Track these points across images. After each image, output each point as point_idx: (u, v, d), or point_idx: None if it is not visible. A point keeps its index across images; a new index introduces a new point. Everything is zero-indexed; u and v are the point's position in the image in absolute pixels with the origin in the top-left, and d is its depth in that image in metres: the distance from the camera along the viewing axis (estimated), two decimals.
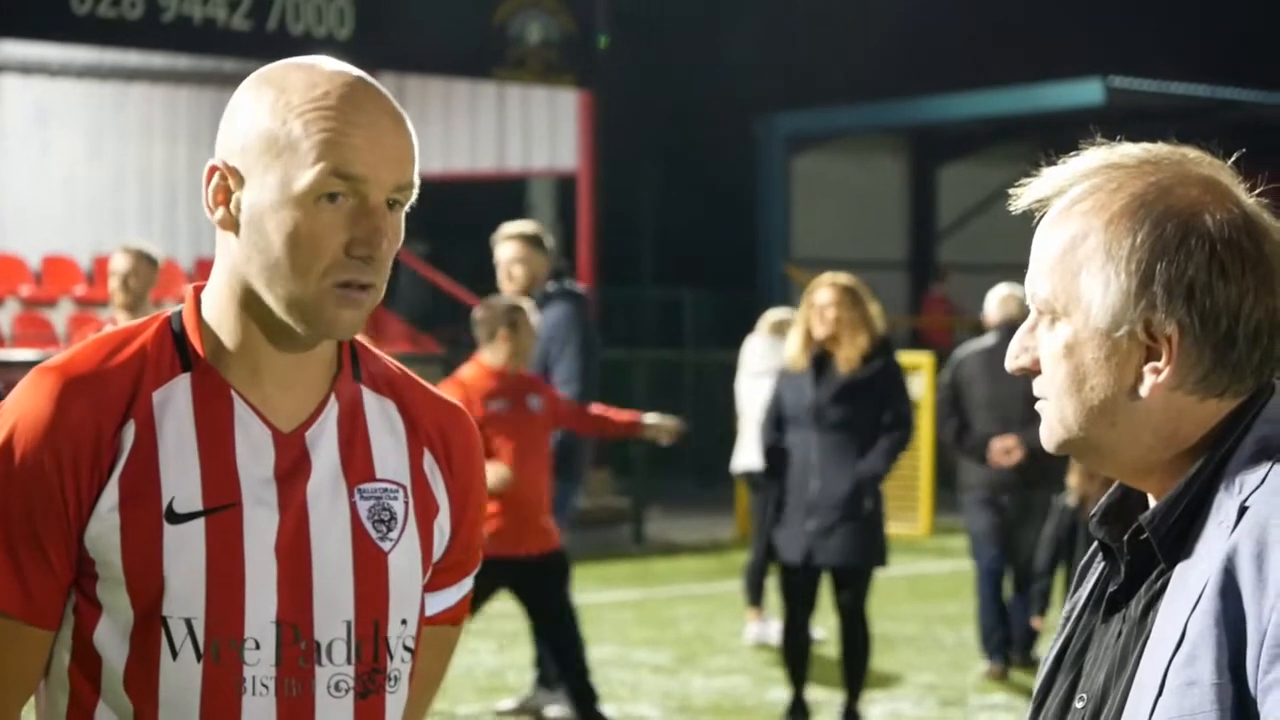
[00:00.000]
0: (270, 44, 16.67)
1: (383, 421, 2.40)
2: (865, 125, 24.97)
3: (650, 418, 9.08)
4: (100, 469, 2.25)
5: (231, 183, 2.27)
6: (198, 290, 2.35)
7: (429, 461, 2.43)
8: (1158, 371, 1.93)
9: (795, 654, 8.92)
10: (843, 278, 8.86)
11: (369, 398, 2.41)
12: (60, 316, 18.34)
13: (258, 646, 2.26)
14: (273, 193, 2.24)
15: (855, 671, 8.91)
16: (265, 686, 2.27)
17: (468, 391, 8.24)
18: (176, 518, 2.25)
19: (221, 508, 2.27)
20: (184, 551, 2.25)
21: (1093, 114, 20.48)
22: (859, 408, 8.64)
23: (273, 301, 2.27)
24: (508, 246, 9.19)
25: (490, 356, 8.38)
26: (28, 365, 15.71)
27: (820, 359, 8.71)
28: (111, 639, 2.26)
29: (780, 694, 9.63)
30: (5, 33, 17.39)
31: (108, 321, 10.32)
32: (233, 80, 20.06)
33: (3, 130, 19.19)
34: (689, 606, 13.24)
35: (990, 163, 25.14)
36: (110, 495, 2.25)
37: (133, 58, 19.16)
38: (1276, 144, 17.38)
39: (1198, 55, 25.20)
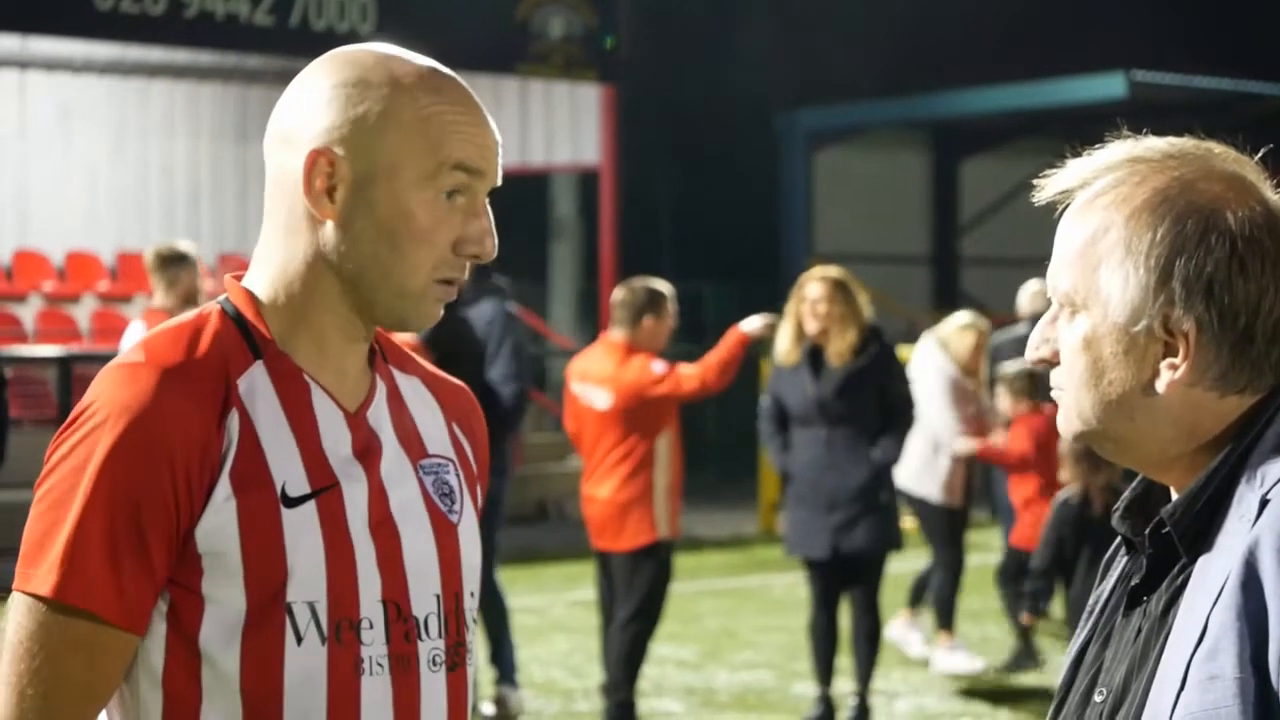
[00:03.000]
0: (293, 40, 16.72)
1: (418, 399, 2.43)
2: (887, 120, 24.94)
3: (746, 324, 8.75)
4: (211, 460, 2.22)
5: (337, 171, 2.26)
6: (238, 279, 2.35)
7: (460, 434, 2.46)
8: (1175, 368, 1.92)
9: (823, 649, 8.92)
10: (833, 271, 8.90)
11: (400, 379, 2.43)
12: (83, 312, 18.37)
13: (371, 626, 2.27)
14: (391, 185, 2.25)
15: (869, 659, 8.94)
16: (380, 666, 2.27)
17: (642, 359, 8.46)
18: (291, 501, 2.24)
19: (325, 488, 2.27)
20: (303, 534, 2.24)
21: (1115, 108, 20.47)
22: (861, 397, 8.69)
23: (371, 291, 2.27)
24: None
25: (631, 337, 8.50)
26: (51, 361, 15.77)
27: (813, 352, 8.73)
28: (220, 634, 2.22)
29: (805, 688, 9.62)
30: (29, 29, 17.44)
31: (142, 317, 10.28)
32: (255, 76, 20.15)
33: (26, 126, 19.24)
34: (713, 601, 13.24)
35: (1012, 157, 25.09)
36: (224, 485, 2.22)
37: (156, 54, 19.19)
38: None
39: (1221, 49, 25.13)
